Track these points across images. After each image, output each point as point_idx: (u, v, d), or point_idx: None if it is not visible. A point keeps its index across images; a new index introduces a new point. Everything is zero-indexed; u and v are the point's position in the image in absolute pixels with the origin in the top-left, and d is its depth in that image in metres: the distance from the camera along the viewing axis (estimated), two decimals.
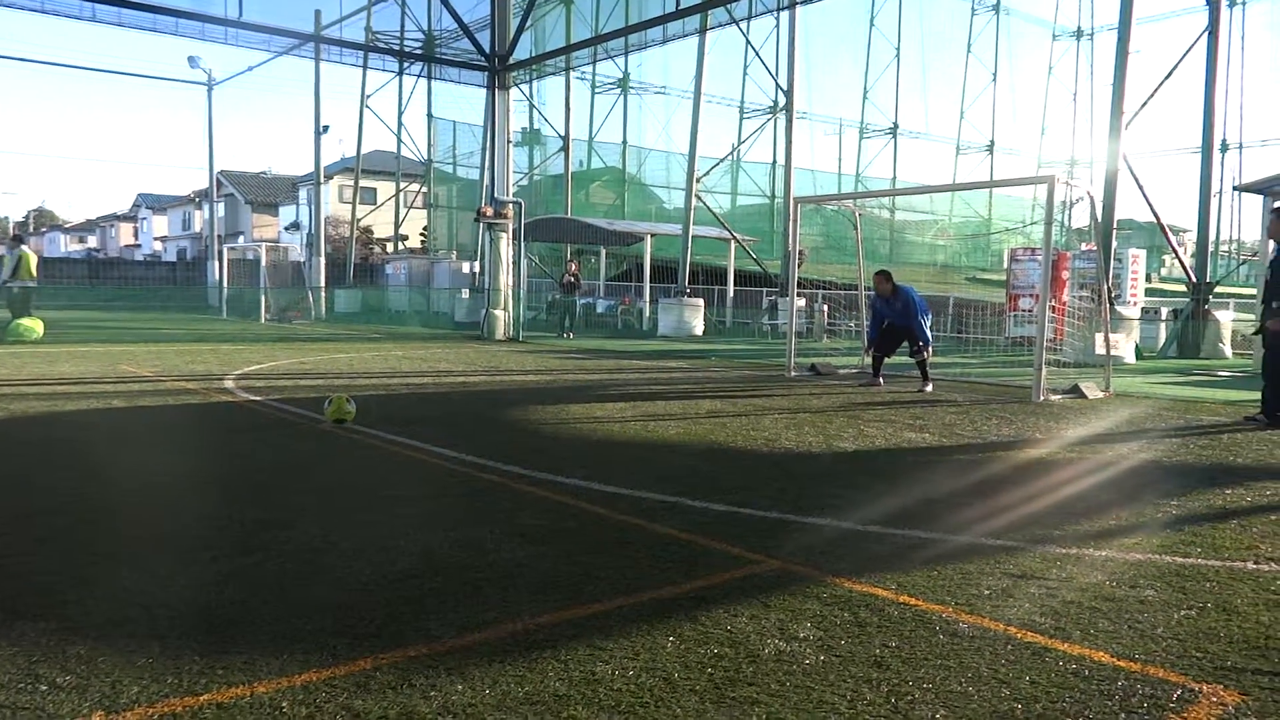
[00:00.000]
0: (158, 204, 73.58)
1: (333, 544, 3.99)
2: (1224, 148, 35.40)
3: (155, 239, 73.23)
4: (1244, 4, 35.95)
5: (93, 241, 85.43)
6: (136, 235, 78.36)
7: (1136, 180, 18.08)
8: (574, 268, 23.77)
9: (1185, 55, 17.78)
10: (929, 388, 10.71)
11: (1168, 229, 19.64)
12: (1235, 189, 34.54)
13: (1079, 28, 47.79)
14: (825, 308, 23.19)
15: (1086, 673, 2.73)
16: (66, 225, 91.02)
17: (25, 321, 17.00)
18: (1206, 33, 17.40)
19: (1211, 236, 20.91)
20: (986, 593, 3.45)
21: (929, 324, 11.04)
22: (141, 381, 10.46)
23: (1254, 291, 16.15)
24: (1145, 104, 18.29)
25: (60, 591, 3.34)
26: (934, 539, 4.22)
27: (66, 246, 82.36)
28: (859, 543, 4.17)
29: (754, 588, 3.48)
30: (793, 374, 12.69)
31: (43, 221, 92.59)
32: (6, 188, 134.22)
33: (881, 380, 11.41)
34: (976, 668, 2.76)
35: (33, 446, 6.54)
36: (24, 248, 18.11)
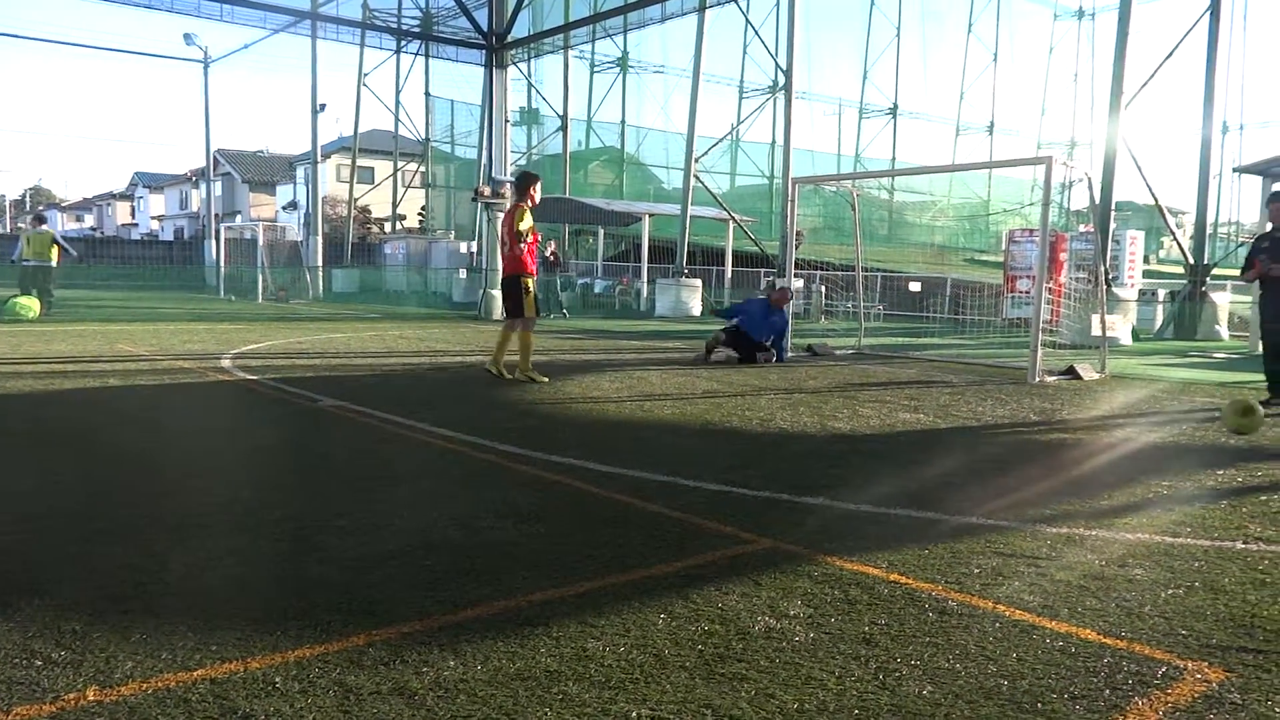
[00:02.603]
0: (155, 183, 73.29)
1: (327, 522, 4.01)
2: (1224, 129, 35.25)
3: (152, 218, 73.00)
4: None
5: (90, 220, 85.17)
6: (134, 214, 78.08)
7: (1135, 161, 18.05)
8: (553, 247, 24.39)
9: (1186, 36, 17.70)
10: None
11: (1166, 211, 19.62)
12: (1235, 171, 34.41)
13: (1080, 8, 47.51)
14: (823, 289, 23.20)
15: (1073, 650, 2.76)
16: (63, 204, 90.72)
17: (22, 300, 17.02)
18: (1208, 13, 17.31)
19: (1210, 218, 20.88)
20: (976, 571, 3.48)
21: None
22: (138, 360, 10.46)
23: None
24: (1145, 85, 18.22)
25: (55, 568, 3.36)
26: (926, 518, 4.24)
27: (63, 225, 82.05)
28: (851, 522, 4.19)
29: (745, 566, 3.50)
30: (789, 355, 12.69)
31: (39, 200, 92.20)
32: (2, 166, 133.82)
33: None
34: (964, 645, 2.78)
35: (28, 425, 6.55)
36: (45, 227, 19.06)
